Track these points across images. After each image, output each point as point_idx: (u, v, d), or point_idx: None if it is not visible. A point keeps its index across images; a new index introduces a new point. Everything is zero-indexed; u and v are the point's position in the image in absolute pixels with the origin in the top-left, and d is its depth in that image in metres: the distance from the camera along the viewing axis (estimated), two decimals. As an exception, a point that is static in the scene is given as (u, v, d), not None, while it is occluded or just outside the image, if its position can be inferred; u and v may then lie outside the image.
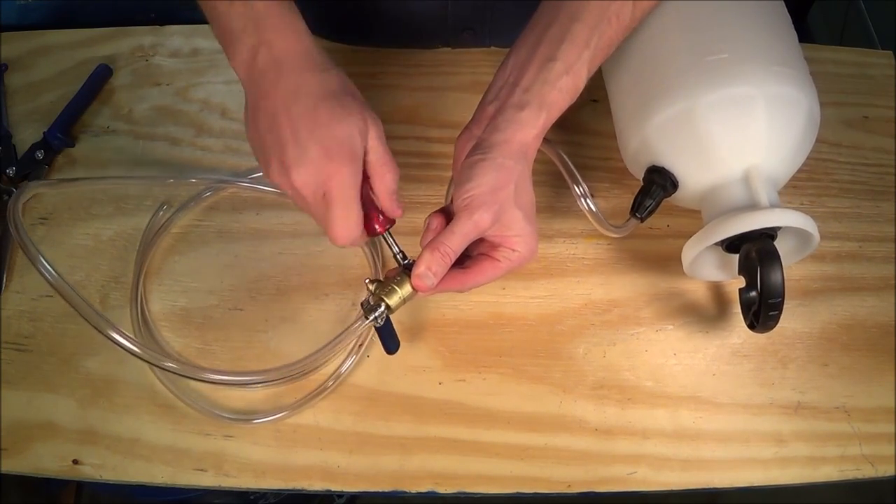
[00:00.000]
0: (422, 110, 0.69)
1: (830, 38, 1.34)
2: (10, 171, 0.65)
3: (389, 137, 0.67)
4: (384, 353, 0.53)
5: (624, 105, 0.56)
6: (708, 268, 0.56)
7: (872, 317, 0.60)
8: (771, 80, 0.50)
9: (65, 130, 0.67)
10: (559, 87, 0.46)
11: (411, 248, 0.50)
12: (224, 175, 0.65)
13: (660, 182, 0.53)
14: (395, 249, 0.49)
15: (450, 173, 0.63)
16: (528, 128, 0.46)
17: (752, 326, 0.53)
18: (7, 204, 0.54)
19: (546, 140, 0.50)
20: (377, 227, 0.48)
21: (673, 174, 0.53)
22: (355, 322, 0.51)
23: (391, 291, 0.48)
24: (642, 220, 0.55)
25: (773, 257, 0.49)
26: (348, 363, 0.57)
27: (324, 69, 0.46)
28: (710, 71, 0.50)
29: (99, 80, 0.70)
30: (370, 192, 0.48)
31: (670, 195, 0.55)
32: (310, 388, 0.56)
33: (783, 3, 0.55)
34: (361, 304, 0.50)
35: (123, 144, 0.67)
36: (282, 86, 0.45)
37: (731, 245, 0.52)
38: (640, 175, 0.56)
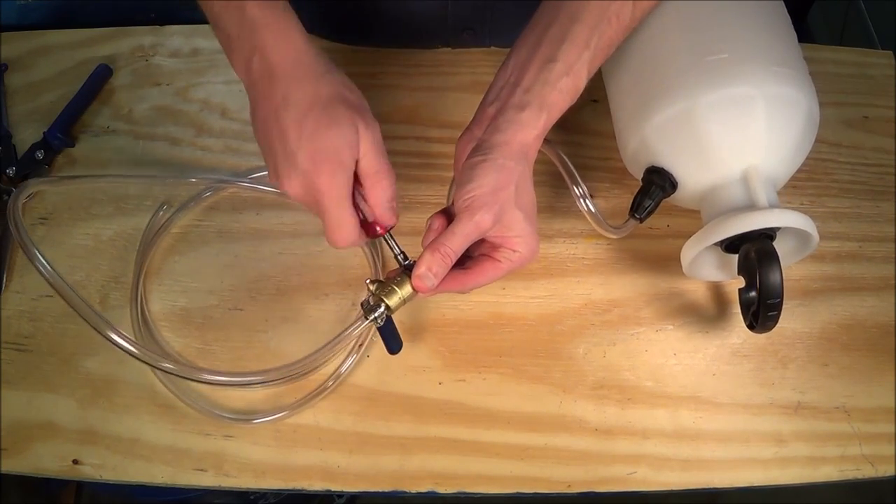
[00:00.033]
0: (422, 110, 0.69)
1: (830, 38, 1.34)
2: (10, 171, 0.65)
3: (389, 137, 0.67)
4: (384, 353, 0.53)
5: (623, 105, 0.56)
6: (707, 268, 0.56)
7: (872, 317, 0.60)
8: (770, 81, 0.50)
9: (65, 130, 0.67)
10: (559, 88, 0.46)
11: (412, 248, 0.50)
12: (224, 175, 0.65)
13: (659, 182, 0.53)
14: (397, 250, 0.49)
15: (450, 173, 0.63)
16: (528, 129, 0.46)
17: (751, 327, 0.53)
18: (7, 203, 0.54)
19: (546, 140, 0.50)
20: (377, 228, 0.49)
21: (672, 174, 0.53)
22: (355, 322, 0.51)
23: (391, 292, 0.48)
24: (641, 220, 0.55)
25: (771, 258, 0.49)
26: (348, 363, 0.57)
27: (316, 77, 0.46)
28: (710, 71, 0.50)
29: (99, 80, 0.70)
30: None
31: (669, 195, 0.55)
32: (310, 388, 0.56)
33: (783, 3, 0.55)
34: (361, 305, 0.50)
35: (123, 144, 0.67)
36: (273, 94, 0.45)
37: (730, 245, 0.52)
38: (640, 175, 0.56)
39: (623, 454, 0.55)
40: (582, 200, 0.58)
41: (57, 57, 0.72)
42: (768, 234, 0.50)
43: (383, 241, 0.50)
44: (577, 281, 0.61)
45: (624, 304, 0.60)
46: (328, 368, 0.57)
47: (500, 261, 0.48)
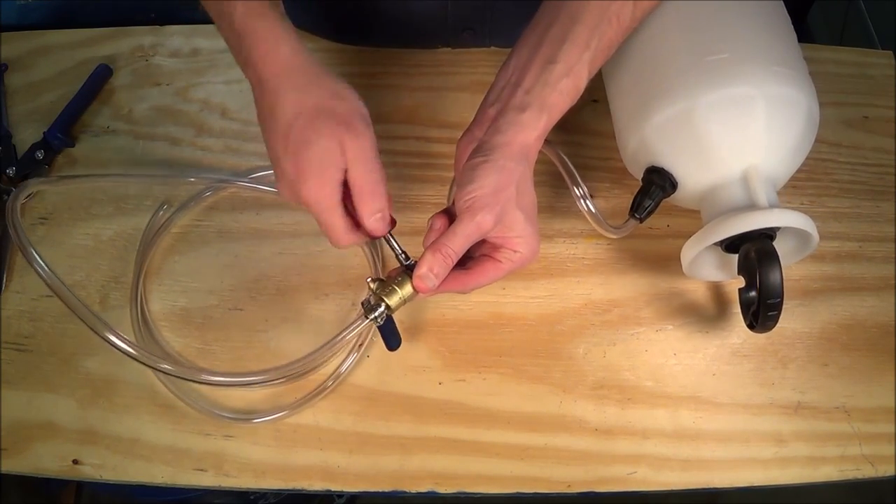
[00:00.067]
0: (422, 110, 0.69)
1: (830, 38, 1.34)
2: (10, 171, 0.65)
3: (389, 137, 0.67)
4: (384, 352, 0.54)
5: (623, 105, 0.56)
6: (707, 268, 0.56)
7: (872, 317, 0.60)
8: (770, 81, 0.50)
9: (65, 130, 0.67)
10: (560, 89, 0.46)
11: (413, 248, 0.50)
12: (224, 175, 0.65)
13: (659, 182, 0.53)
14: (398, 250, 0.49)
15: (450, 173, 0.63)
16: (529, 130, 0.46)
17: (751, 326, 0.53)
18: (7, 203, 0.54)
19: (547, 141, 0.50)
20: None
21: (672, 174, 0.53)
22: (356, 321, 0.51)
23: (392, 291, 0.48)
24: (641, 220, 0.55)
25: (771, 257, 0.49)
26: (348, 363, 0.57)
27: (300, 88, 0.45)
28: (710, 71, 0.50)
29: (99, 80, 0.70)
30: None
31: (669, 195, 0.55)
32: (309, 388, 0.56)
33: (783, 3, 0.55)
34: (362, 304, 0.50)
35: (123, 144, 0.67)
36: (263, 104, 0.47)
37: (730, 245, 0.52)
38: (640, 175, 0.56)
39: (623, 454, 0.55)
40: (582, 201, 0.58)
41: (57, 57, 0.72)
42: (768, 234, 0.50)
43: (384, 241, 0.50)
44: (577, 281, 0.61)
45: (624, 304, 0.60)
46: (328, 368, 0.57)
47: (501, 261, 0.48)
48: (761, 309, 0.50)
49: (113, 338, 0.49)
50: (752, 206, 0.49)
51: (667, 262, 0.61)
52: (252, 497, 0.98)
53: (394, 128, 0.67)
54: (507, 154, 0.46)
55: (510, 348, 0.58)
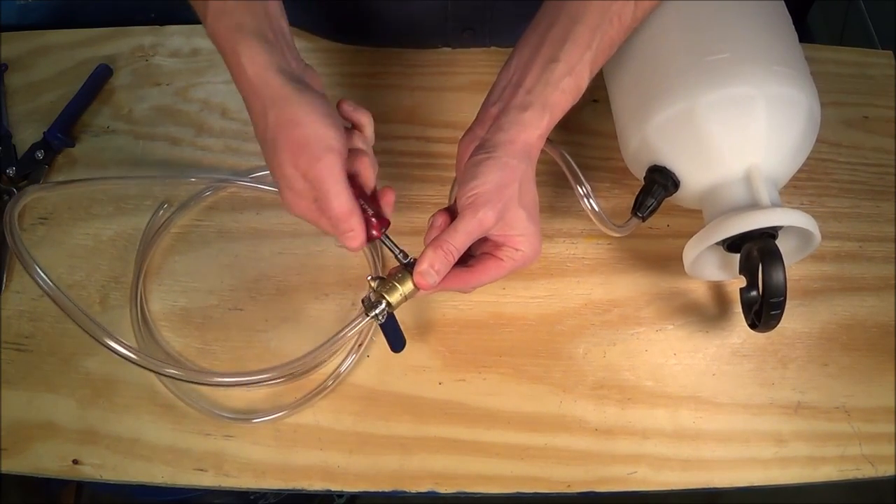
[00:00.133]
0: (422, 110, 0.69)
1: (830, 38, 1.33)
2: (10, 171, 0.65)
3: (389, 137, 0.67)
4: (384, 352, 0.54)
5: (624, 105, 0.56)
6: (709, 267, 0.56)
7: (872, 317, 0.60)
8: (771, 80, 0.50)
9: (65, 130, 0.67)
10: (562, 88, 0.46)
11: (414, 248, 0.49)
12: (224, 175, 0.65)
13: (661, 181, 0.53)
14: (396, 250, 0.49)
15: (451, 173, 0.63)
16: (531, 128, 0.46)
17: (753, 326, 0.53)
18: (6, 205, 0.54)
19: (548, 140, 0.50)
20: (373, 231, 0.48)
21: (674, 173, 0.53)
22: (356, 318, 0.51)
23: (392, 288, 0.48)
24: (644, 219, 0.55)
25: (775, 256, 0.49)
26: (348, 363, 0.57)
27: (264, 110, 0.44)
28: (711, 71, 0.50)
29: (99, 80, 0.70)
30: (358, 198, 0.47)
31: (671, 194, 0.55)
32: (309, 388, 0.56)
33: (783, 3, 0.55)
34: (362, 301, 0.50)
35: (123, 144, 0.67)
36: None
37: (732, 245, 0.52)
38: (641, 175, 0.56)
39: (623, 454, 0.55)
40: (585, 199, 0.58)
41: (57, 57, 0.72)
42: (770, 234, 0.50)
43: (383, 244, 0.50)
44: (577, 281, 0.61)
45: (624, 304, 0.60)
46: (328, 368, 0.57)
47: (502, 259, 0.48)
48: (764, 308, 0.50)
49: (112, 343, 0.49)
50: (754, 206, 0.49)
51: (667, 262, 0.61)
52: (252, 497, 0.98)
53: (394, 128, 0.67)
54: (509, 151, 0.46)
55: (510, 348, 0.58)
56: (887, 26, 1.17)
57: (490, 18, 0.69)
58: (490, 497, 0.54)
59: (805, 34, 0.69)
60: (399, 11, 0.69)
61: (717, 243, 0.51)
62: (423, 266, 0.46)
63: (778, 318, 0.50)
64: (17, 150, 0.66)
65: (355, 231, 0.46)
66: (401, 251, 0.49)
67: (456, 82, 0.70)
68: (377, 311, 0.48)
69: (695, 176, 0.53)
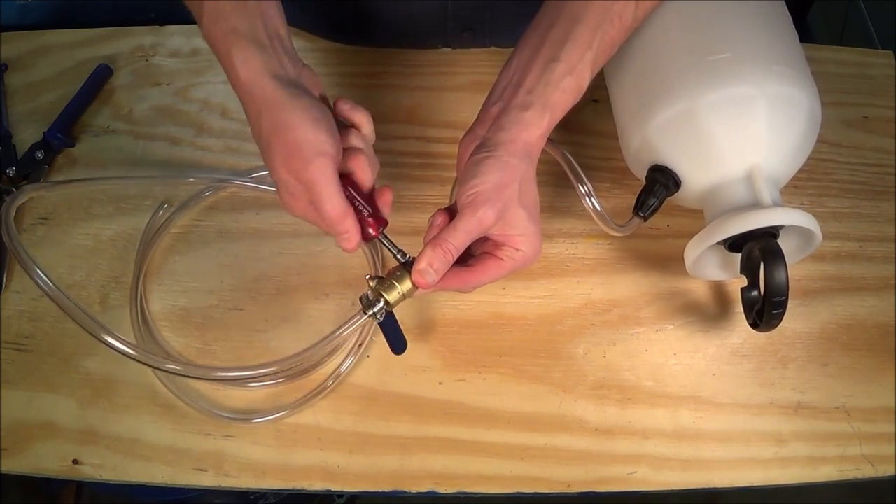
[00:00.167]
0: (422, 110, 0.69)
1: (830, 38, 1.33)
2: (11, 171, 0.65)
3: (389, 137, 0.67)
4: (384, 352, 0.53)
5: (625, 105, 0.56)
6: (710, 267, 0.56)
7: (872, 317, 0.60)
8: (772, 80, 0.50)
9: (65, 130, 0.67)
10: (562, 88, 0.46)
11: (413, 249, 0.49)
12: (224, 175, 0.65)
13: (663, 181, 0.53)
14: (394, 250, 0.49)
15: (451, 173, 0.63)
16: (532, 128, 0.46)
17: (755, 326, 0.53)
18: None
19: (550, 140, 0.50)
20: (370, 230, 0.48)
21: (675, 173, 0.53)
22: (354, 316, 0.50)
23: (390, 287, 0.48)
24: (645, 218, 0.55)
25: (777, 255, 0.49)
26: (348, 363, 0.57)
27: (258, 114, 0.44)
28: (711, 71, 0.50)
29: (99, 80, 0.70)
30: (355, 198, 0.47)
31: (673, 194, 0.54)
32: (309, 388, 0.56)
33: (783, 2, 0.55)
34: (360, 299, 0.49)
35: (123, 144, 0.67)
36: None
37: (733, 244, 0.52)
38: (642, 174, 0.56)
39: (623, 454, 0.55)
40: (587, 199, 0.58)
41: (57, 57, 0.72)
42: (772, 233, 0.50)
43: (381, 244, 0.50)
44: (577, 281, 0.61)
45: (624, 304, 0.60)
46: (328, 368, 0.57)
47: (502, 259, 0.47)
48: (766, 307, 0.50)
49: (113, 341, 0.49)
50: (756, 205, 0.49)
51: (667, 262, 0.61)
52: (252, 497, 0.98)
53: (394, 128, 0.67)
54: (510, 151, 0.46)
55: (510, 348, 0.58)
56: (887, 26, 1.17)
57: (490, 18, 0.69)
58: (490, 497, 0.54)
59: (805, 34, 0.68)
60: (399, 11, 0.69)
61: (719, 243, 0.51)
62: (421, 264, 0.46)
63: (780, 318, 0.50)
64: (17, 150, 0.66)
65: (349, 233, 0.46)
66: (399, 250, 0.49)
67: (456, 82, 0.70)
68: (375, 309, 0.48)
69: (696, 176, 0.53)
